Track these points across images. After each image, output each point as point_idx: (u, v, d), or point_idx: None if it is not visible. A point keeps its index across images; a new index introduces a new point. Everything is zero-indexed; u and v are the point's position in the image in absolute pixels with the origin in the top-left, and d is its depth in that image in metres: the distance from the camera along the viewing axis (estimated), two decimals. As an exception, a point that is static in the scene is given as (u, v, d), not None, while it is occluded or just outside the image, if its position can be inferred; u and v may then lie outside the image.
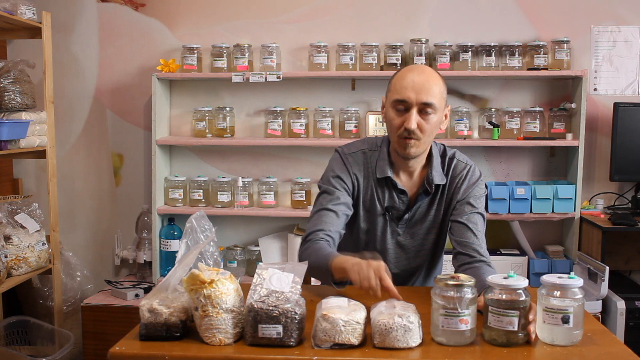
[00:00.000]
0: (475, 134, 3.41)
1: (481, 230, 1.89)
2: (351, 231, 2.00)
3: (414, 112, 1.79)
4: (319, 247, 1.79)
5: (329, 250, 1.77)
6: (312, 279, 2.23)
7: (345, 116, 3.36)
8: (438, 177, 1.91)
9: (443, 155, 1.97)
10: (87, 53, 3.60)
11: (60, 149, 3.48)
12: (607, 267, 2.84)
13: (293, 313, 1.39)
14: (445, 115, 1.89)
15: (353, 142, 2.03)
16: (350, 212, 1.93)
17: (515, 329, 1.42)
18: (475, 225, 1.87)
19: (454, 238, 1.89)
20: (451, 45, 3.31)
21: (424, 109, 1.80)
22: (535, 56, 3.27)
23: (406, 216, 1.94)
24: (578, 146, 3.19)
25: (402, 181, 1.94)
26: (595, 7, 3.37)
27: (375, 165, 1.93)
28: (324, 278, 1.77)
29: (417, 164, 1.92)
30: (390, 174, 1.91)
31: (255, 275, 1.47)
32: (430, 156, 1.94)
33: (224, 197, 3.38)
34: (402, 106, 1.81)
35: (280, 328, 1.39)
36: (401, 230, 1.96)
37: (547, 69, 3.25)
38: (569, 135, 3.25)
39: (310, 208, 2.02)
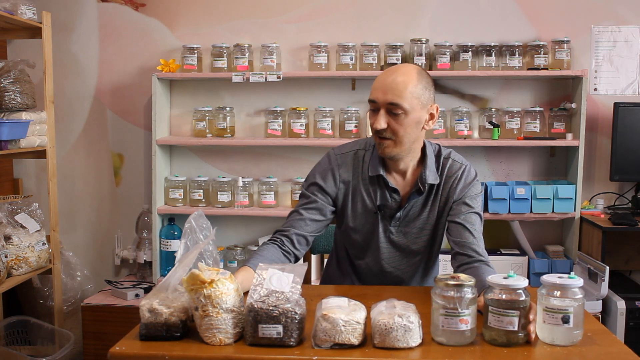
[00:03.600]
0: (476, 134, 3.41)
1: (478, 230, 1.89)
2: (344, 231, 2.01)
3: (382, 112, 1.80)
4: (260, 249, 1.86)
5: (255, 259, 1.77)
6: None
7: (345, 116, 3.36)
8: (432, 177, 1.91)
9: (438, 155, 1.96)
10: (87, 53, 3.61)
11: (60, 149, 3.48)
12: (607, 267, 2.84)
13: (293, 313, 1.39)
14: (432, 115, 1.87)
15: (347, 143, 2.04)
16: (326, 218, 1.95)
17: (516, 329, 1.42)
18: (472, 225, 1.88)
19: (452, 238, 1.89)
20: (451, 45, 3.31)
21: (392, 109, 1.79)
22: (535, 56, 3.27)
23: (398, 214, 1.94)
24: (578, 146, 3.19)
25: (395, 180, 1.94)
26: (595, 7, 3.37)
27: (369, 164, 1.94)
28: None
29: (408, 163, 1.92)
30: (382, 172, 1.91)
31: (256, 275, 1.47)
32: (424, 156, 1.94)
33: (224, 197, 3.38)
34: (373, 107, 1.83)
35: (280, 328, 1.39)
36: (394, 229, 1.96)
37: (547, 69, 3.25)
38: (569, 135, 3.25)
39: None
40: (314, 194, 1.95)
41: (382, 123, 1.79)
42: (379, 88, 1.80)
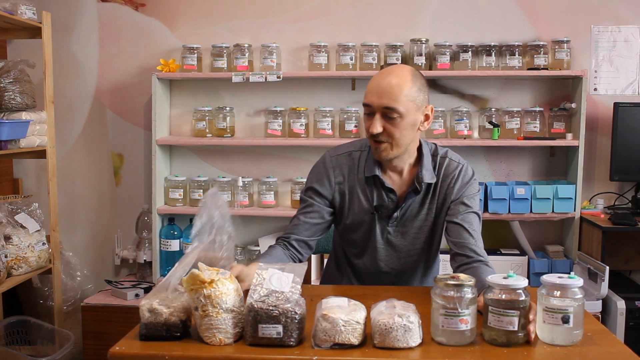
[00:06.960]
0: (476, 134, 3.41)
1: (477, 229, 1.89)
2: (342, 232, 2.02)
3: (378, 116, 1.79)
4: (269, 250, 1.90)
5: (264, 258, 1.82)
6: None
7: (345, 116, 3.36)
8: (428, 176, 1.91)
9: (434, 154, 1.96)
10: (87, 53, 3.61)
11: (60, 149, 3.48)
12: (607, 267, 2.84)
13: (293, 313, 1.40)
14: (427, 116, 1.86)
15: (342, 144, 2.03)
16: (325, 220, 1.96)
17: (515, 328, 1.42)
18: (470, 225, 1.87)
19: (450, 239, 1.89)
20: (451, 45, 3.31)
21: (387, 113, 1.78)
22: (535, 56, 3.27)
23: (395, 214, 1.94)
24: (578, 146, 3.19)
25: (391, 180, 1.94)
26: (595, 7, 3.37)
27: (364, 164, 1.94)
28: None
29: (404, 163, 1.92)
30: (377, 172, 1.91)
31: (255, 275, 1.47)
32: (420, 155, 1.93)
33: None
34: (368, 110, 1.83)
35: (280, 328, 1.39)
36: (391, 229, 1.96)
37: (547, 69, 3.25)
38: (569, 135, 3.25)
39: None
40: (311, 197, 1.96)
41: (378, 127, 1.79)
42: (374, 92, 1.80)
